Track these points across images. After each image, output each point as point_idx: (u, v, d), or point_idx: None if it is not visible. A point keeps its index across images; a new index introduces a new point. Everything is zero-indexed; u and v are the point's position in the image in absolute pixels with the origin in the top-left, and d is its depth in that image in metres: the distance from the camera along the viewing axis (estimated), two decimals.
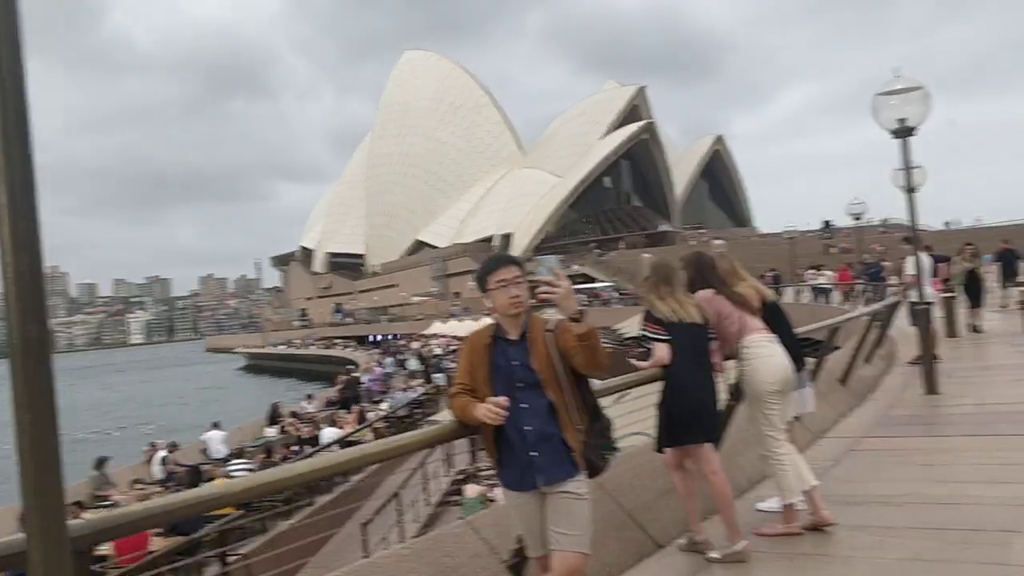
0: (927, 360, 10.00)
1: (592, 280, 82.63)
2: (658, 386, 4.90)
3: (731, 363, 5.35)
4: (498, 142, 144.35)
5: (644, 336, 4.99)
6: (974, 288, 17.57)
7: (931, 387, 9.94)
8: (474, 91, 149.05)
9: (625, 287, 76.45)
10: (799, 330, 8.23)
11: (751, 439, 5.45)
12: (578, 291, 74.38)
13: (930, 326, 10.59)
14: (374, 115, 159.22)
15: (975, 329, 16.49)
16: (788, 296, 40.84)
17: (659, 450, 4.99)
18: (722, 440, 5.48)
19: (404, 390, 29.78)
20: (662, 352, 4.84)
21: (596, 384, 3.86)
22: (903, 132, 10.13)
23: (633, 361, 5.01)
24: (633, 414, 6.33)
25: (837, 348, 13.81)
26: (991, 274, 21.19)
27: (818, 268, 38.96)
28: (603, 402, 3.79)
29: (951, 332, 16.86)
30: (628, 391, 5.12)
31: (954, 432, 7.81)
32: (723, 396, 5.44)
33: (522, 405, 3.51)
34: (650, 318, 4.96)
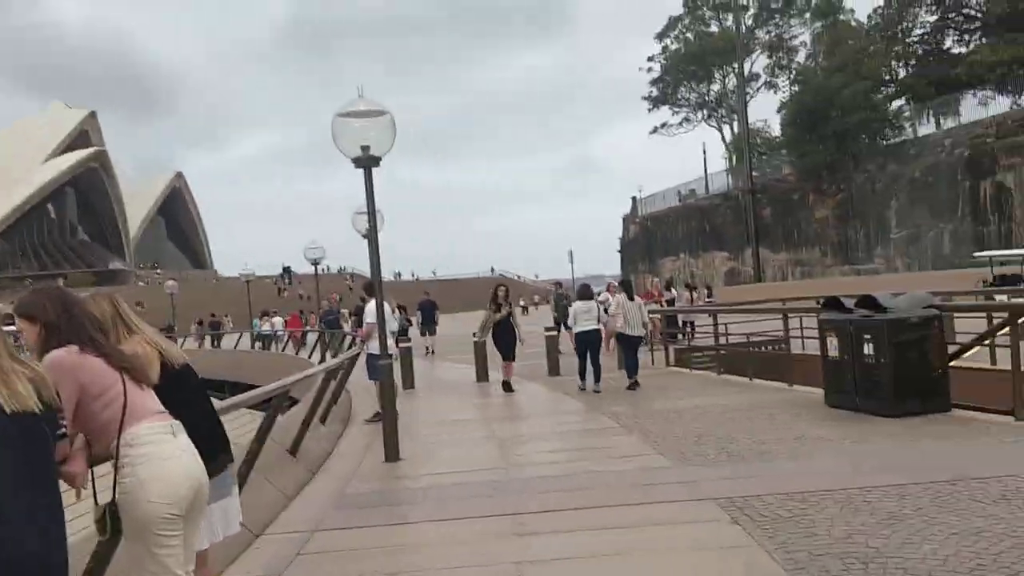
0: (388, 421, 8.80)
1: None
2: None
3: (103, 471, 3.21)
4: None
5: None
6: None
7: (392, 453, 8.74)
8: None
9: None
10: (236, 401, 6.45)
11: None
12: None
13: (392, 380, 9.45)
14: None
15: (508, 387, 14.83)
16: (229, 342, 39.32)
17: None
18: None
19: None
20: None
21: None
22: (367, 161, 8.81)
23: None
24: None
25: (294, 403, 12.36)
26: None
27: (267, 314, 38.12)
28: None
29: (408, 383, 16.46)
30: None
31: (419, 515, 6.56)
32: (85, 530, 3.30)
33: None
34: None
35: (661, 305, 21.22)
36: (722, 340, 16.07)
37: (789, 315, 13.43)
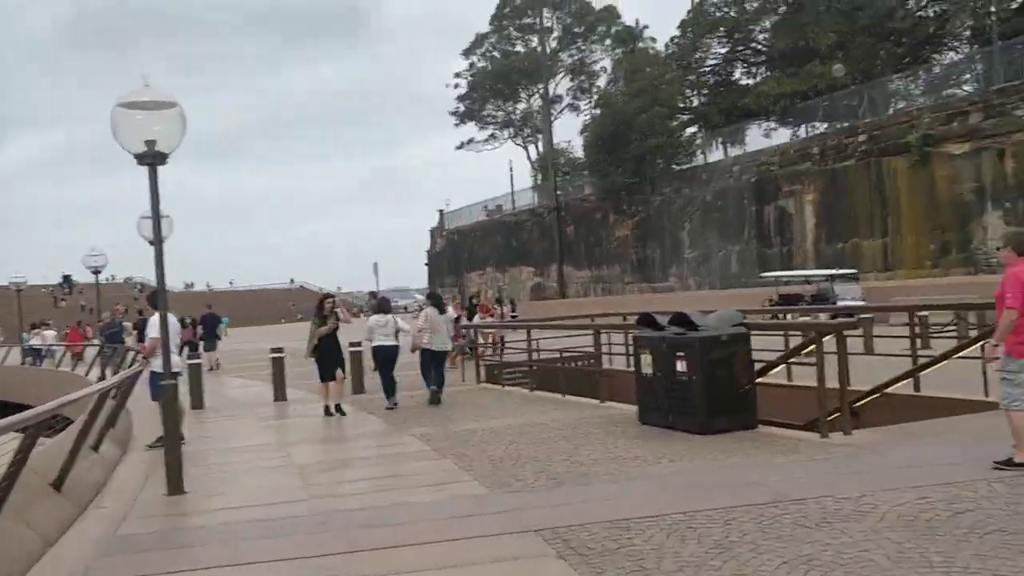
0: (171, 448, 7.82)
1: None
2: None
3: None
4: None
5: None
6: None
7: (176, 485, 7.77)
8: None
9: None
10: None
11: None
12: None
13: (176, 403, 8.47)
14: None
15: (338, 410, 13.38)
16: None
17: None
18: None
19: None
20: None
21: None
22: (152, 158, 7.79)
23: None
24: None
25: (66, 424, 11.01)
26: None
27: (38, 326, 34.93)
28: None
29: (197, 403, 15.21)
30: None
31: (205, 560, 5.69)
32: None
33: None
34: None
35: (493, 317, 20.88)
36: (534, 356, 15.89)
37: (601, 331, 13.36)
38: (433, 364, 13.76)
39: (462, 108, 76.67)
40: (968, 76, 36.86)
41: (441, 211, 78.51)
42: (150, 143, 7.71)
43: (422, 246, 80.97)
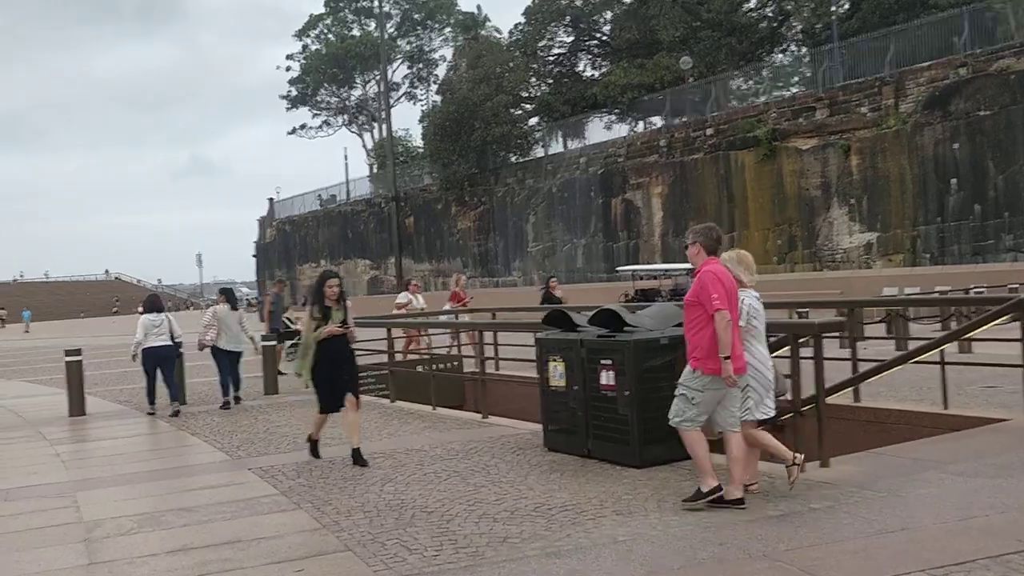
0: None
1: None
2: None
3: None
4: None
5: None
6: None
7: None
8: None
9: None
10: None
11: None
12: None
13: None
14: None
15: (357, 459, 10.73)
16: None
17: None
18: None
19: None
20: None
21: None
22: None
23: None
24: None
25: None
26: None
27: None
28: None
29: None
30: None
31: None
32: None
33: None
34: None
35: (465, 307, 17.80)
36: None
37: (486, 331, 11.21)
38: (226, 363, 12.90)
39: (294, 92, 73.09)
40: (809, 74, 37.16)
41: (271, 200, 74.47)
42: None
43: (250, 237, 76.56)
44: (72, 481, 8.03)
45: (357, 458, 7.88)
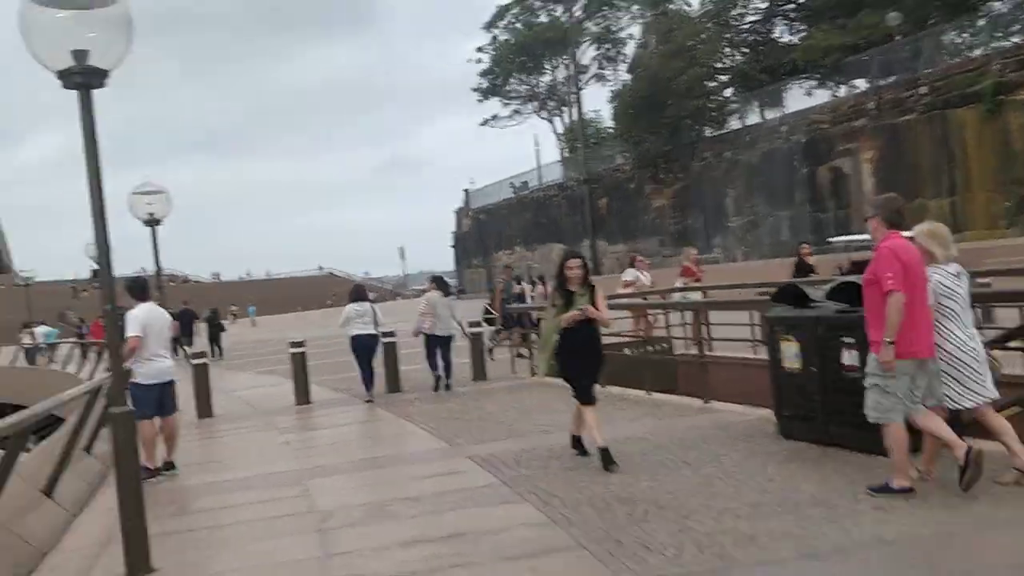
0: (130, 512, 5.29)
1: None
2: None
3: None
4: None
5: None
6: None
7: (138, 560, 5.27)
8: None
9: None
10: None
11: None
12: None
13: (130, 420, 5.79)
14: None
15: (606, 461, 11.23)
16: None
17: None
18: None
19: None
20: None
21: None
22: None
23: None
24: None
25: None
26: None
27: (29, 325, 33.08)
28: None
29: (205, 410, 12.81)
30: None
31: None
32: None
33: None
34: None
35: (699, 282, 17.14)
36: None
37: (710, 309, 10.61)
38: (439, 349, 13.15)
39: (485, 84, 74.05)
40: None
41: (466, 191, 76.08)
42: (80, 55, 5.17)
43: (447, 228, 78.65)
44: (302, 469, 8.23)
45: (606, 459, 6.85)
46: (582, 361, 7.23)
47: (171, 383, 8.69)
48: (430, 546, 5.31)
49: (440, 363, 13.21)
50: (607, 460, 6.84)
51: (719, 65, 49.93)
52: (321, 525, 6.05)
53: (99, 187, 5.33)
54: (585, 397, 7.21)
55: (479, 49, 73.55)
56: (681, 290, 16.13)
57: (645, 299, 15.70)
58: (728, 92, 49.64)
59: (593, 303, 7.18)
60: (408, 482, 7.21)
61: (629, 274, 17.20)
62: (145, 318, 8.39)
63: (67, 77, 5.20)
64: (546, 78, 73.20)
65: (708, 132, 47.51)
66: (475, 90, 75.16)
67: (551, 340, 7.30)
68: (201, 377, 13.02)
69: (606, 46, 70.88)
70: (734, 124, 47.39)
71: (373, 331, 12.80)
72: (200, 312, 30.24)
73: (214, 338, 27.82)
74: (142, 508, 5.34)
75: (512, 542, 5.23)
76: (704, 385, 9.80)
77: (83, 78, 5.21)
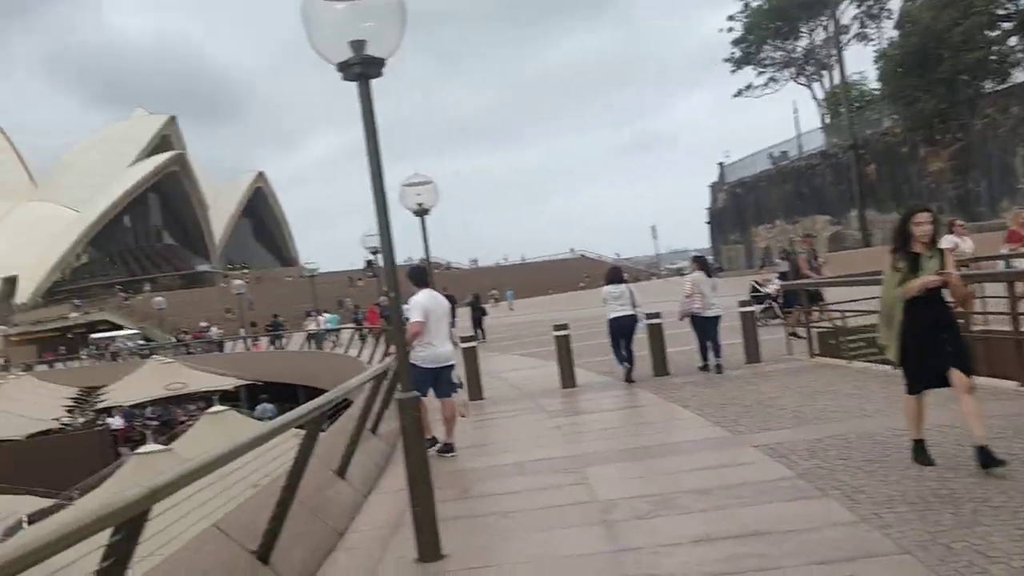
0: (420, 498, 5.31)
1: (117, 327, 71.81)
2: None
3: None
4: (1, 171, 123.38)
5: None
6: None
7: (429, 547, 5.29)
8: None
9: (153, 334, 67.54)
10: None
11: None
12: (93, 341, 63.86)
13: (417, 405, 5.76)
14: None
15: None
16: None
17: None
18: None
19: None
20: None
21: None
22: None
23: None
24: None
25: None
26: None
27: (312, 313, 35.74)
28: None
29: (475, 392, 13.06)
30: None
31: None
32: None
33: None
34: None
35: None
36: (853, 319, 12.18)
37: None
38: (708, 331, 12.82)
39: (737, 53, 71.45)
40: None
41: (721, 164, 73.93)
42: (358, 45, 5.22)
43: (700, 204, 76.81)
44: (576, 455, 8.07)
45: (985, 459, 5.61)
46: (932, 336, 5.96)
47: (450, 367, 8.88)
48: (726, 545, 4.91)
49: (707, 343, 12.84)
50: (986, 460, 5.60)
51: (1001, 12, 44.95)
52: (605, 517, 5.81)
53: (379, 174, 5.38)
54: (925, 382, 6.07)
55: (730, 17, 71.15)
56: (1006, 257, 14.49)
57: (967, 268, 14.05)
58: (1013, 41, 44.58)
59: (943, 267, 5.99)
60: (692, 473, 6.83)
61: (947, 241, 15.48)
62: (426, 304, 8.61)
63: (346, 69, 5.28)
64: (803, 42, 69.57)
65: (989, 86, 42.95)
66: (727, 60, 72.77)
67: (896, 311, 6.08)
68: (471, 360, 13.32)
69: (868, 3, 66.20)
70: (1020, 76, 42.52)
71: (631, 312, 12.75)
72: (461, 297, 31.39)
73: (477, 322, 28.73)
74: (431, 495, 5.36)
75: (820, 543, 4.72)
76: (1020, 366, 8.61)
77: (361, 68, 5.26)
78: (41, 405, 28.86)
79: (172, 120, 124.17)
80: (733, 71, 72.76)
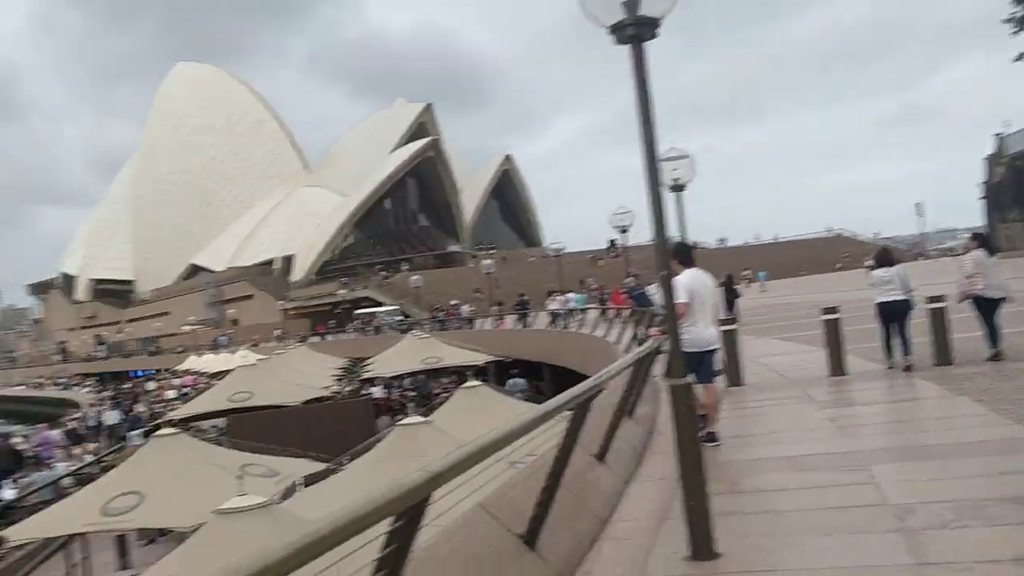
0: (693, 492, 4.95)
1: (378, 304, 76.88)
2: None
3: None
4: (280, 160, 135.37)
5: None
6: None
7: (700, 542, 4.93)
8: (254, 106, 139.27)
9: (410, 310, 71.51)
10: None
11: None
12: (358, 316, 68.88)
13: (689, 392, 5.37)
14: (141, 134, 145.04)
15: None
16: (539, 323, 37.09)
17: None
18: None
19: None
20: None
21: None
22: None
23: None
24: None
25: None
26: None
27: (552, 293, 35.85)
28: None
29: (735, 379, 12.47)
30: None
31: None
32: None
33: None
34: None
35: None
36: None
37: None
38: (987, 314, 11.83)
39: (1020, 12, 64.35)
40: None
41: (999, 135, 67.25)
42: (631, 5, 4.89)
43: (970, 180, 70.43)
44: (856, 451, 7.35)
45: None
46: None
47: (714, 351, 8.44)
48: None
49: (988, 329, 11.80)
50: None
51: None
52: (901, 524, 5.16)
53: (652, 143, 5.03)
54: None
55: None
56: None
57: None
58: None
59: None
60: (997, 477, 5.97)
61: None
62: (690, 284, 8.20)
63: (619, 31, 4.96)
64: None
65: None
66: (1007, 20, 65.74)
67: None
68: (730, 344, 12.70)
69: None
70: None
71: (902, 296, 12.03)
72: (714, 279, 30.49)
73: (730, 304, 27.76)
74: (705, 488, 4.98)
75: None
76: None
77: (635, 29, 4.92)
78: (314, 374, 31.12)
79: (428, 107, 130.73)
80: (1015, 32, 65.68)
